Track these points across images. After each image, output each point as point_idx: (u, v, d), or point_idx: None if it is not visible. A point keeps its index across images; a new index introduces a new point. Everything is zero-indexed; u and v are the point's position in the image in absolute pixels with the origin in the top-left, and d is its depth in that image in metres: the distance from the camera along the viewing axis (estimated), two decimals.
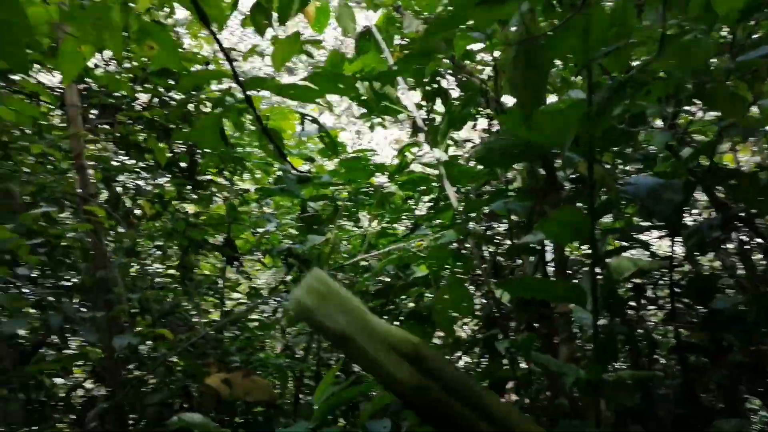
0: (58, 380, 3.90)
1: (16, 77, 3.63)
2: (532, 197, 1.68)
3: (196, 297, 3.12)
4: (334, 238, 2.90)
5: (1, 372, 2.83)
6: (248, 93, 1.34)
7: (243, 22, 2.29)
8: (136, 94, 4.00)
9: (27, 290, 2.79)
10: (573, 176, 1.80)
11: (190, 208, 3.97)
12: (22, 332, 3.38)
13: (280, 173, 3.12)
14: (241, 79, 1.33)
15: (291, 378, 3.32)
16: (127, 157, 4.10)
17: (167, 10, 3.42)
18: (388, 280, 2.89)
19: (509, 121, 1.19)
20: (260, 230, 3.88)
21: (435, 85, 2.71)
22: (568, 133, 1.04)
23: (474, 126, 3.04)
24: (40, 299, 2.78)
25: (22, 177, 3.21)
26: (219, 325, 3.10)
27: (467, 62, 2.65)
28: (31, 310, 2.97)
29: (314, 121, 2.32)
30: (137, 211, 4.10)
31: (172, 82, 3.63)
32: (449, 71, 2.67)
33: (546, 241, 1.74)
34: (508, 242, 2.14)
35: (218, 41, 1.32)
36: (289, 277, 3.55)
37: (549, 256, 1.84)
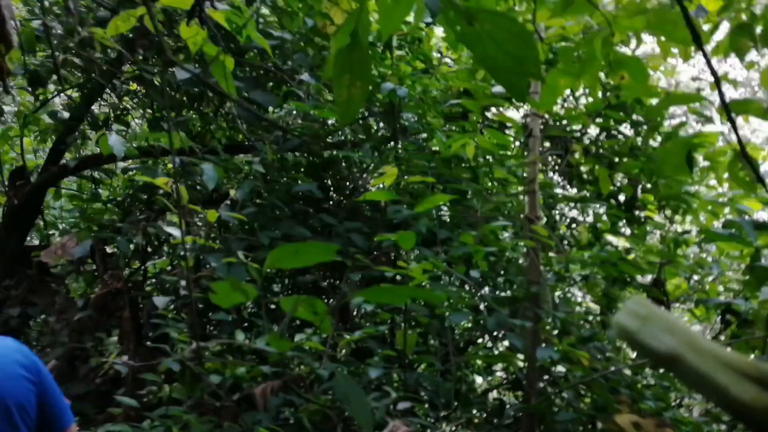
0: (479, 379, 4.47)
1: (488, 113, 4.34)
2: None
3: None
4: None
5: (444, 358, 3.43)
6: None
7: (716, 49, 2.17)
8: (587, 129, 4.23)
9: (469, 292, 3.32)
10: None
11: (622, 242, 3.95)
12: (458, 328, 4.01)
13: (730, 217, 2.81)
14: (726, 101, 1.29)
15: None
16: (569, 187, 4.37)
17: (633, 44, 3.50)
18: None
19: None
20: (696, 277, 3.57)
21: None
22: None
23: None
24: (482, 301, 3.26)
25: (485, 196, 3.83)
26: (636, 365, 3.01)
27: None
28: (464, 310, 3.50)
29: None
30: (569, 239, 4.32)
31: (623, 114, 3.70)
32: None
33: None
34: None
35: (708, 60, 1.31)
36: (722, 337, 3.16)
37: None
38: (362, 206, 4.98)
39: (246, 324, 3.30)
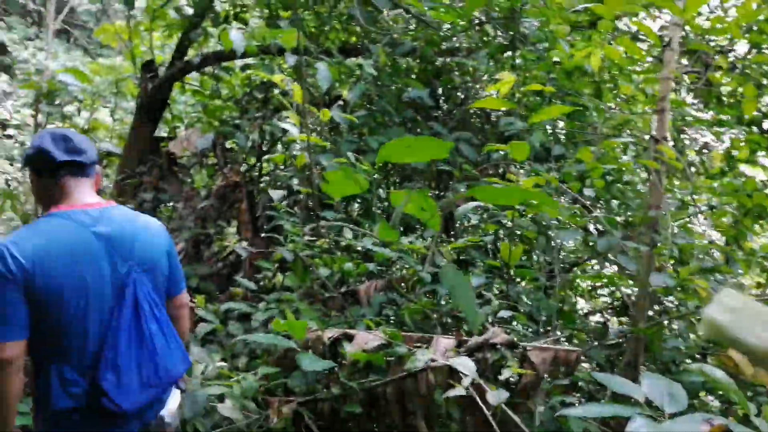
0: (582, 302, 4.40)
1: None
2: None
3: (742, 266, 2.89)
4: None
5: (549, 275, 3.38)
6: None
7: None
8: (735, 44, 3.76)
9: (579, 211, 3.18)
10: None
11: (761, 174, 3.59)
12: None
13: None
14: None
15: None
16: (704, 110, 3.97)
17: None
18: None
19: None
20: None
21: None
22: None
23: None
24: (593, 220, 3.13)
25: (606, 113, 3.58)
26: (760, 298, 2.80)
27: None
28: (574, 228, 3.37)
29: None
30: (697, 166, 3.98)
31: None
32: None
33: None
34: None
35: None
36: None
37: None
38: (472, 116, 4.85)
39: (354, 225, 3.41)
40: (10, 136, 7.82)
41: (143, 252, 1.73)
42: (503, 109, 4.50)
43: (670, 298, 3.06)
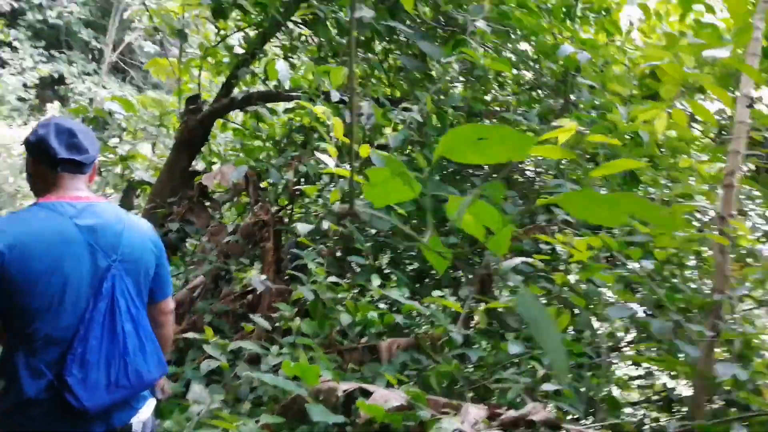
0: (616, 392, 4.00)
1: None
2: None
3: None
4: None
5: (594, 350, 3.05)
6: None
7: None
8: None
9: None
10: None
11: None
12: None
13: None
14: None
15: None
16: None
17: None
18: None
19: None
20: None
21: None
22: None
23: None
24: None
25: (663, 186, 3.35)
26: None
27: None
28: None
29: None
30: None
31: None
32: None
33: None
34: None
35: None
36: None
37: None
38: (516, 175, 4.65)
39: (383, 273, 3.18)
40: None
41: (127, 249, 1.70)
42: (551, 173, 4.29)
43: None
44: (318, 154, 2.46)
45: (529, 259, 2.50)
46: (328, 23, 4.35)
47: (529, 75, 4.94)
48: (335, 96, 3.25)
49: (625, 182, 3.72)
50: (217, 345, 2.37)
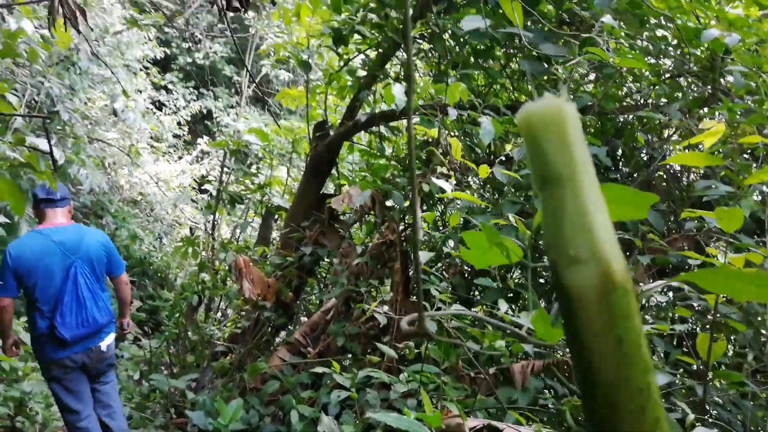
0: None
1: None
2: None
3: None
4: None
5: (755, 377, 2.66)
6: None
7: None
8: None
9: None
10: None
11: None
12: None
13: None
14: None
15: None
16: None
17: None
18: None
19: None
20: None
21: None
22: None
23: None
24: None
25: None
26: None
27: None
28: None
29: None
30: None
31: None
32: None
33: None
34: None
35: None
36: None
37: None
38: (658, 180, 4.24)
39: (511, 294, 3.04)
40: (205, 191, 8.76)
41: (84, 251, 3.18)
42: (702, 169, 3.86)
43: None
44: (434, 180, 2.41)
45: (674, 283, 2.24)
46: (445, 36, 4.30)
47: (669, 63, 4.48)
48: (453, 113, 3.18)
49: None
50: (346, 377, 2.41)
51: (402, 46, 4.74)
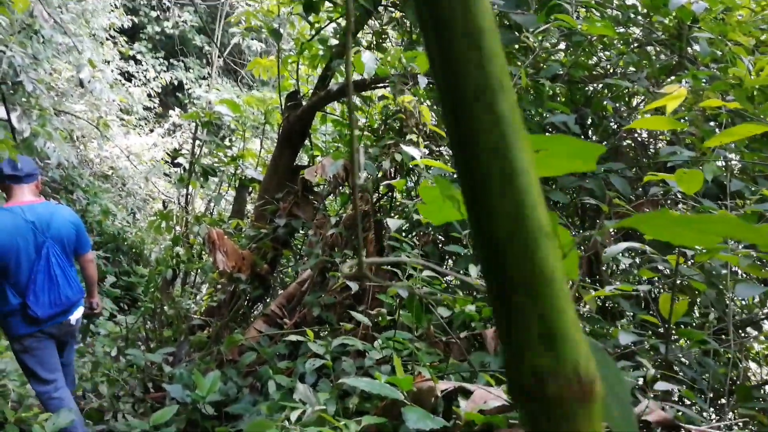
0: (753, 365, 3.61)
1: None
2: None
3: None
4: None
5: (717, 336, 2.77)
6: None
7: None
8: None
9: None
10: None
11: None
12: None
13: None
14: None
15: None
16: None
17: None
18: None
19: None
20: None
21: None
22: None
23: None
24: None
25: None
26: None
27: None
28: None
29: None
30: None
31: None
32: None
33: None
34: None
35: None
36: None
37: None
38: (625, 147, 4.31)
39: None
40: (178, 164, 8.64)
41: (54, 229, 3.19)
42: (667, 135, 3.93)
43: None
44: (404, 147, 2.43)
45: (636, 245, 2.31)
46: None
47: (638, 32, 4.52)
48: (423, 81, 3.18)
49: (754, 143, 3.31)
50: (320, 344, 2.45)
51: (374, 13, 4.68)
